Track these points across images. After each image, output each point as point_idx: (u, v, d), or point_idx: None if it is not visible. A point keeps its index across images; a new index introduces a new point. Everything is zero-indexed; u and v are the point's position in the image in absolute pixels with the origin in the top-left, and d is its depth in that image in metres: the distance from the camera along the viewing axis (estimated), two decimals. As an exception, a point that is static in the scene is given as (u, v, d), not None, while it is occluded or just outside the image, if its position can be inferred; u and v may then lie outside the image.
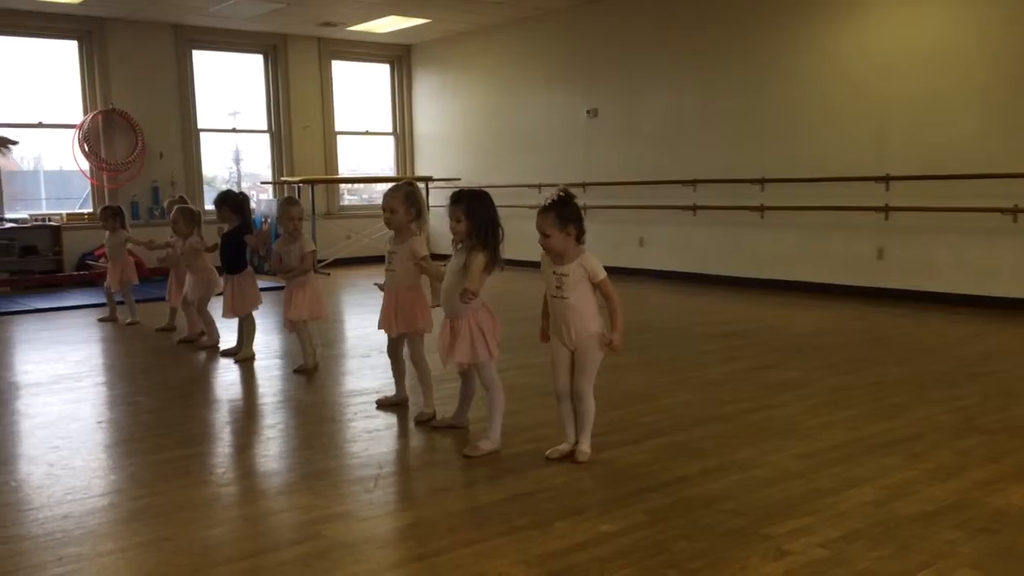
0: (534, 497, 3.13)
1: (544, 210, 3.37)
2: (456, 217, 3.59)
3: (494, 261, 3.57)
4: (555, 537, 2.77)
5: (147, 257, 8.42)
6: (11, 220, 10.34)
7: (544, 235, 3.39)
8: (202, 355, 6.00)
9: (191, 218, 6.35)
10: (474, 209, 3.56)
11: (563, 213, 3.36)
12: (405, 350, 4.31)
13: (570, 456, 3.53)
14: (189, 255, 6.26)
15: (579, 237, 3.41)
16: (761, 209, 8.76)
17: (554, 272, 3.44)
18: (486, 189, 3.75)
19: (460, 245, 3.64)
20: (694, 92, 9.43)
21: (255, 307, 5.82)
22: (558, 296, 3.44)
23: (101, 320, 7.52)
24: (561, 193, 3.39)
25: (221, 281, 6.02)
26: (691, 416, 4.20)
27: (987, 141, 7.21)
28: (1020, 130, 7.04)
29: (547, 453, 3.56)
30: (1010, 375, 5.01)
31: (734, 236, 9.16)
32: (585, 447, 3.53)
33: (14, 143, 3.86)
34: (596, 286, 3.42)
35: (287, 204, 5.31)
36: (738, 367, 5.28)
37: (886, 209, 7.84)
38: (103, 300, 7.82)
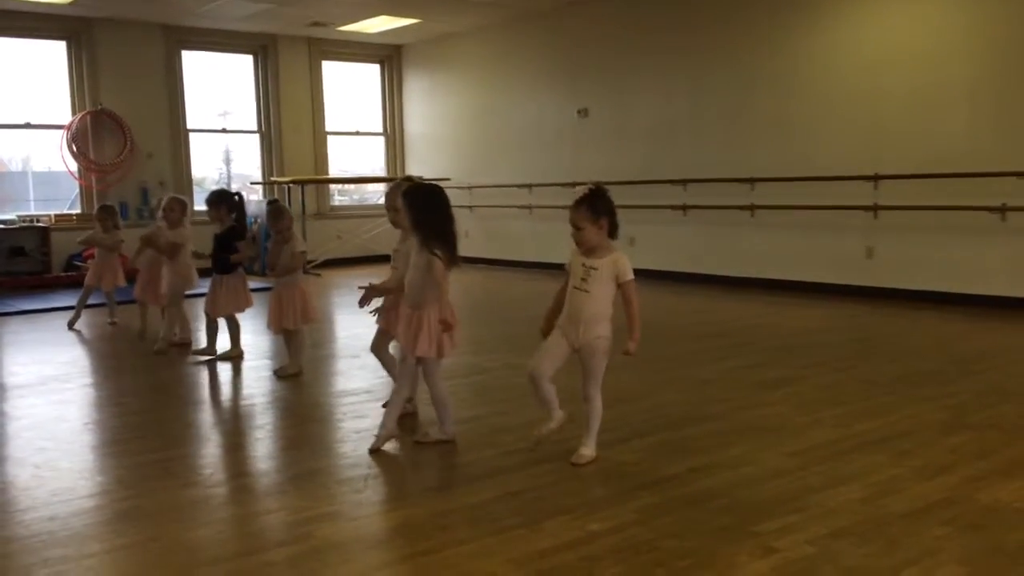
0: (523, 496, 3.12)
1: (577, 203, 3.35)
2: (396, 207, 3.68)
3: (452, 260, 3.58)
4: (544, 536, 2.76)
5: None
6: (-1, 221, 10.29)
7: (577, 228, 3.37)
8: (190, 356, 5.96)
9: (184, 209, 6.31)
10: (415, 202, 3.59)
11: (596, 206, 3.34)
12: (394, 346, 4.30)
13: (558, 431, 3.52)
14: (173, 248, 6.15)
15: (612, 231, 3.38)
16: (751, 208, 8.77)
17: (583, 264, 3.40)
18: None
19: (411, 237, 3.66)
20: (684, 92, 9.43)
21: (242, 309, 5.80)
22: (581, 288, 3.39)
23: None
24: (592, 187, 3.37)
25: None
26: (681, 415, 4.20)
27: (975, 140, 7.24)
28: (1007, 129, 7.07)
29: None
30: (1000, 372, 5.02)
31: (724, 235, 9.17)
32: (587, 450, 3.48)
33: None
34: (621, 287, 3.38)
35: (274, 218, 5.19)
36: (728, 366, 5.28)
37: (875, 208, 7.86)
38: (94, 302, 7.74)
